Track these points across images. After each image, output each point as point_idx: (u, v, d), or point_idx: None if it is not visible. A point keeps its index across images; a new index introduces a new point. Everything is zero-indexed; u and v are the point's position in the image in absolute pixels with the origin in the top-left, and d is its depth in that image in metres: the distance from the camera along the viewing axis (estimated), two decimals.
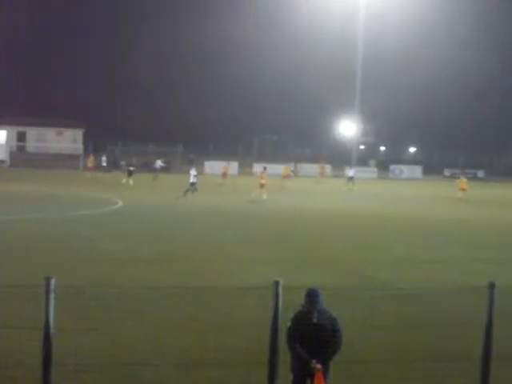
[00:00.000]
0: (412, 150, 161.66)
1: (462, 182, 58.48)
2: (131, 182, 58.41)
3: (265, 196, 48.84)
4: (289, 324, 9.88)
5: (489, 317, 9.96)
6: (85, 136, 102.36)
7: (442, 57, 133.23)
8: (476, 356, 10.97)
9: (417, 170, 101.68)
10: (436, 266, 24.38)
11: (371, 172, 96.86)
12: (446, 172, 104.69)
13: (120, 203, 41.82)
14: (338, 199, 53.37)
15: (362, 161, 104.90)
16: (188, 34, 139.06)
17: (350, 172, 66.90)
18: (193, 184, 48.54)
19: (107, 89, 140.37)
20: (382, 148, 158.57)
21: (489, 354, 10.05)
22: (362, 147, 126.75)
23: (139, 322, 14.46)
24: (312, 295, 10.01)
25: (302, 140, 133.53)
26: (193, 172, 49.44)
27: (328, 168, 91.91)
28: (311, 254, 25.79)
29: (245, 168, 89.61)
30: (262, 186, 50.31)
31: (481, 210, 48.35)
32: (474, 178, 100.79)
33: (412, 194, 60.67)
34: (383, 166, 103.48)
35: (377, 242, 30.39)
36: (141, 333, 13.97)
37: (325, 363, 9.85)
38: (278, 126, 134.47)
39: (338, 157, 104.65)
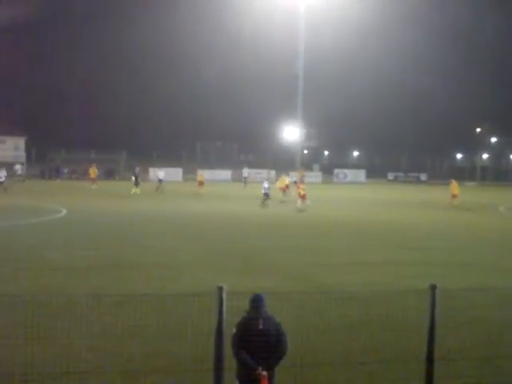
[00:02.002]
0: (355, 154, 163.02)
1: (454, 186, 56.68)
2: (138, 190, 58.11)
3: (308, 202, 48.19)
4: (234, 330, 9.86)
5: (431, 318, 10.07)
6: (27, 144, 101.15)
7: (384, 61, 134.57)
8: (421, 357, 11.08)
9: (360, 174, 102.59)
10: (381, 269, 24.58)
11: (315, 176, 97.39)
12: (390, 175, 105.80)
13: (64, 211, 41.42)
14: (282, 204, 53.50)
15: (306, 165, 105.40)
16: (131, 41, 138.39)
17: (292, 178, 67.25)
18: (266, 194, 49.51)
19: (50, 96, 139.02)
20: (326, 152, 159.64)
21: (432, 355, 10.16)
22: (305, 152, 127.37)
23: (84, 330, 14.32)
24: (257, 301, 10.01)
25: (246, 146, 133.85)
26: (265, 184, 50.26)
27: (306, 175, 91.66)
28: (256, 259, 25.82)
29: (189, 174, 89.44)
30: (303, 196, 48.46)
31: (423, 213, 48.89)
32: (416, 182, 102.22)
33: (356, 198, 61.09)
34: (327, 170, 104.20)
35: (322, 246, 30.55)
36: (86, 341, 13.84)
37: (270, 369, 9.85)
38: (221, 131, 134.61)
39: (283, 162, 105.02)
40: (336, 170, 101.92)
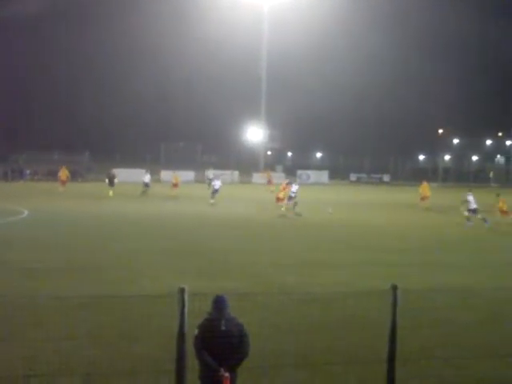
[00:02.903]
0: (319, 155, 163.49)
1: (424, 187, 55.89)
2: (111, 193, 57.59)
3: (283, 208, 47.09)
4: (196, 332, 9.85)
5: (393, 319, 10.14)
6: None
7: (347, 63, 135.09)
8: (383, 358, 11.15)
9: (323, 175, 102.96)
10: (342, 269, 24.68)
11: (278, 177, 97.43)
12: (352, 177, 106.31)
13: (26, 213, 41.10)
14: (245, 205, 53.54)
15: (270, 166, 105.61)
16: (95, 40, 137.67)
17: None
18: (291, 198, 46.97)
19: (11, 97, 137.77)
20: (289, 154, 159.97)
21: (393, 356, 10.23)
22: (269, 153, 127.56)
23: (47, 332, 14.24)
24: (219, 302, 10.01)
25: (210, 146, 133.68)
26: (294, 188, 47.85)
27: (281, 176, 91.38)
28: (219, 261, 25.79)
29: (153, 175, 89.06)
30: (279, 199, 48.25)
31: (386, 214, 49.18)
32: (379, 183, 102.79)
33: (319, 199, 61.24)
34: (290, 171, 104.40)
35: (285, 247, 30.62)
36: (49, 344, 13.75)
37: (233, 370, 9.86)
38: (185, 132, 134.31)
39: (246, 163, 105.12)
40: (299, 171, 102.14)
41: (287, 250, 29.47)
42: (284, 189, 48.72)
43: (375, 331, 13.99)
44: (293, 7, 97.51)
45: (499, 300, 18.97)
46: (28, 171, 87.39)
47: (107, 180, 59.09)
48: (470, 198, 42.58)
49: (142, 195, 59.62)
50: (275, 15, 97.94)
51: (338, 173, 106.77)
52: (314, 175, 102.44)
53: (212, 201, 51.56)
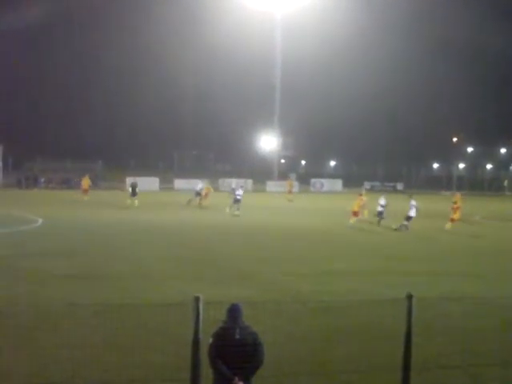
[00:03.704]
0: (332, 163, 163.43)
1: (456, 198, 51.53)
2: (136, 202, 56.19)
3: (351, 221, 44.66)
4: (210, 340, 9.82)
5: (408, 327, 10.10)
6: (4, 152, 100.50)
7: (361, 71, 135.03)
8: (398, 367, 11.09)
9: (337, 184, 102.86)
10: (358, 278, 24.62)
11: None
12: (366, 185, 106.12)
13: (40, 221, 41.19)
14: (261, 213, 53.50)
15: (283, 175, 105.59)
16: (107, 49, 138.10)
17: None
18: (380, 213, 44.70)
19: (26, 104, 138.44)
20: (303, 162, 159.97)
21: (408, 364, 10.18)
22: (282, 161, 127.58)
23: (61, 340, 14.23)
24: (234, 311, 9.98)
25: (223, 155, 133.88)
26: (382, 201, 45.53)
27: (296, 185, 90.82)
28: (232, 269, 25.78)
29: (166, 184, 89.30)
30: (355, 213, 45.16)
31: (398, 222, 49.00)
32: (393, 191, 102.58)
33: (332, 207, 61.16)
34: (304, 179, 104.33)
35: (298, 254, 30.58)
36: (62, 351, 13.74)
37: (247, 379, 9.83)
38: (198, 141, 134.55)
39: (260, 171, 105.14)
40: (313, 180, 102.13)
41: (299, 258, 29.43)
42: (360, 201, 45.82)
43: (390, 339, 13.94)
44: (306, 14, 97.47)
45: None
46: (42, 179, 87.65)
47: (130, 189, 57.87)
48: (413, 202, 42.18)
49: (188, 204, 58.85)
50: (288, 23, 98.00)
51: (351, 181, 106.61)
52: (327, 183, 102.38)
53: (237, 212, 50.58)
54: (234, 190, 58.20)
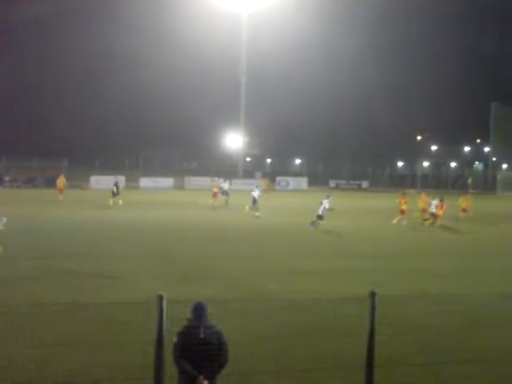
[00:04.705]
0: (298, 162, 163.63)
1: (466, 199, 53.19)
2: (116, 201, 55.54)
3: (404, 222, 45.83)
4: (175, 339, 9.81)
5: (371, 325, 10.15)
6: None
7: (326, 70, 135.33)
8: (362, 364, 11.14)
9: (303, 182, 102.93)
10: (323, 276, 24.70)
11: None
12: (331, 183, 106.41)
13: (4, 220, 40.83)
14: (223, 212, 53.47)
15: (249, 173, 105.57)
16: (72, 45, 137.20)
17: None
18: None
19: None
20: (269, 160, 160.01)
21: (372, 362, 10.24)
22: (248, 159, 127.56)
23: (23, 340, 14.14)
24: (198, 309, 9.97)
25: (189, 153, 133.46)
26: (434, 203, 45.49)
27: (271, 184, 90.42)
28: (197, 267, 25.75)
29: (131, 182, 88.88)
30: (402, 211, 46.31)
31: (363, 220, 49.22)
32: (358, 189, 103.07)
33: (298, 206, 61.27)
34: (269, 177, 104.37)
35: (264, 253, 30.60)
36: (25, 352, 13.66)
37: (211, 377, 9.84)
38: (164, 139, 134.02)
39: (225, 169, 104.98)
40: (278, 178, 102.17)
41: (264, 256, 29.43)
42: (405, 202, 46.58)
43: (354, 338, 14.01)
44: (272, 14, 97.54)
45: (475, 306, 19.08)
46: (7, 178, 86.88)
47: (114, 188, 57.01)
48: (325, 202, 42.46)
49: (226, 204, 58.13)
50: (255, 22, 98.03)
51: (317, 179, 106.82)
52: (293, 182, 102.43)
53: (257, 213, 49.77)
54: (226, 192, 58.19)
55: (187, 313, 10.07)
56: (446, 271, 26.95)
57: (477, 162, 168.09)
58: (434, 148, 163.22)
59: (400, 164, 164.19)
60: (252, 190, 52.66)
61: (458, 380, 13.23)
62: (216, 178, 70.73)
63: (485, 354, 14.98)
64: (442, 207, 46.24)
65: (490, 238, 41.18)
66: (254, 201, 51.15)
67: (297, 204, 59.39)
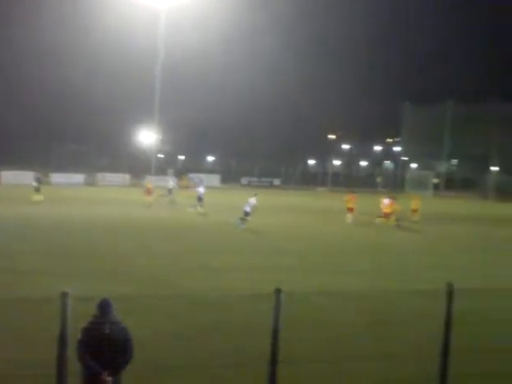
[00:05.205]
0: (211, 159, 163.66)
1: (415, 199, 53.60)
2: (39, 197, 53.83)
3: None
4: (79, 335, 9.80)
5: (275, 322, 10.29)
6: None
7: (240, 68, 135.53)
8: (267, 360, 11.27)
9: (215, 179, 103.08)
10: (231, 273, 24.75)
11: (170, 181, 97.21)
12: (244, 180, 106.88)
13: None
14: (139, 209, 53.19)
15: (161, 170, 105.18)
16: None
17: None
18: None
19: None
20: (181, 157, 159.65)
21: (276, 359, 10.37)
22: (160, 156, 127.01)
23: None
24: (104, 305, 9.96)
25: (102, 149, 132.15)
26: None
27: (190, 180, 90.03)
28: (108, 264, 25.58)
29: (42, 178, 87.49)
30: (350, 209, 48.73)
31: (274, 217, 49.57)
32: (270, 186, 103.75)
33: (211, 203, 61.29)
34: (183, 174, 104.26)
35: (176, 250, 30.59)
36: None
37: (116, 374, 9.86)
38: (76, 134, 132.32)
39: (137, 166, 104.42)
40: (191, 175, 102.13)
41: (176, 253, 29.43)
42: (391, 204, 48.29)
43: (261, 334, 14.18)
44: (190, 10, 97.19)
45: (385, 303, 19.47)
46: None
47: (36, 184, 55.67)
48: (252, 200, 42.79)
49: (170, 202, 58.01)
50: (172, 18, 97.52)
51: (229, 176, 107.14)
52: (205, 179, 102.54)
53: (200, 209, 50.55)
54: (171, 190, 58.11)
55: (94, 309, 10.06)
56: (363, 268, 27.37)
57: (387, 162, 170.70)
58: (345, 147, 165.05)
59: (312, 162, 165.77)
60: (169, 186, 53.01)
61: (362, 377, 13.43)
62: (148, 176, 70.23)
63: (392, 350, 15.28)
64: (392, 205, 47.93)
65: (417, 236, 42.19)
66: (199, 198, 51.08)
67: (210, 201, 59.22)
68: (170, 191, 60.45)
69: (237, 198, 55.93)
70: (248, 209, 42.11)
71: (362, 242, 37.57)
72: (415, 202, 52.56)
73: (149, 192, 56.73)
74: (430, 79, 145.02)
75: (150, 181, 62.14)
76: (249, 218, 41.81)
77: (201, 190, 52.20)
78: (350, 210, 48.51)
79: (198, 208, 51.15)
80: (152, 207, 53.07)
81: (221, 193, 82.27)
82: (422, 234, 43.14)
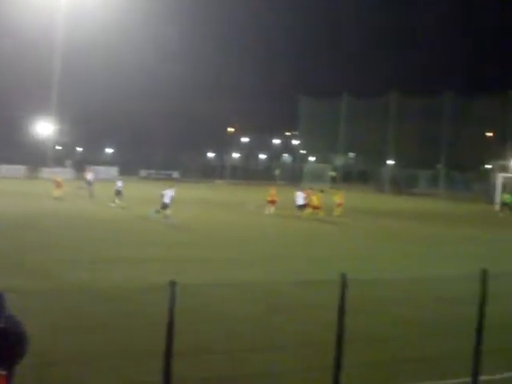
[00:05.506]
0: (110, 151, 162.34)
1: (338, 194, 54.09)
2: None
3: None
4: None
5: (170, 314, 10.36)
6: None
7: (139, 60, 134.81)
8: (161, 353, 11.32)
9: (113, 171, 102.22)
10: (129, 265, 24.69)
11: (68, 173, 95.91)
12: (142, 173, 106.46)
13: None
14: (40, 200, 52.39)
15: (59, 161, 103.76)
16: None
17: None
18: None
19: None
20: (80, 149, 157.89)
21: (170, 351, 10.43)
22: (58, 148, 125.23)
23: None
24: None
25: None
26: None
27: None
28: (6, 258, 25.13)
29: None
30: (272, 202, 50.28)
31: (179, 210, 49.57)
32: (168, 179, 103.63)
33: (105, 195, 60.73)
34: (80, 166, 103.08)
35: (76, 242, 30.34)
36: None
37: (10, 368, 9.73)
38: None
39: (34, 157, 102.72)
40: (88, 167, 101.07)
41: (73, 246, 29.12)
42: (313, 195, 50.21)
43: (155, 327, 14.23)
44: (89, 2, 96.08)
45: (277, 292, 19.84)
46: None
47: None
48: (166, 193, 42.27)
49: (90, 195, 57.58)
50: (71, 10, 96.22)
51: (128, 168, 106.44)
52: (103, 171, 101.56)
53: (114, 203, 50.20)
54: (89, 182, 57.47)
55: None
56: (250, 259, 27.68)
57: (286, 155, 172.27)
58: (244, 140, 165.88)
59: (212, 155, 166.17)
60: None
61: (259, 367, 13.59)
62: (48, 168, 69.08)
63: (283, 339, 15.54)
64: (309, 196, 49.69)
65: (322, 227, 42.90)
66: (118, 192, 50.86)
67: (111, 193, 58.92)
68: (88, 183, 60.04)
69: (141, 191, 55.79)
70: (167, 200, 41.81)
71: (268, 233, 38.11)
72: (339, 196, 53.13)
73: (58, 185, 56.09)
74: (325, 73, 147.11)
75: (59, 174, 61.58)
76: (168, 210, 41.48)
77: (119, 183, 51.78)
78: (272, 202, 49.82)
79: (117, 201, 50.75)
80: (63, 200, 52.38)
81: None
82: (327, 226, 43.93)
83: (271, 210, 49.33)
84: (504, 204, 65.42)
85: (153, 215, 41.42)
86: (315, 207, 48.94)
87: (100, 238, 32.51)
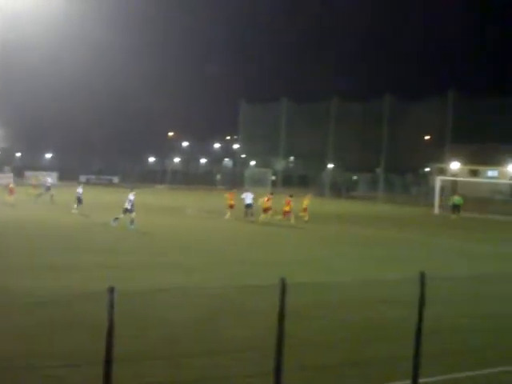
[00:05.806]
0: (49, 156, 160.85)
1: (307, 199, 53.48)
2: None
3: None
4: None
5: (109, 321, 10.29)
6: None
7: (78, 64, 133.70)
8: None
9: (52, 176, 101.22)
10: (68, 273, 24.42)
11: (7, 178, 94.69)
12: (82, 178, 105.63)
13: None
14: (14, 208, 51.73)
15: None
16: None
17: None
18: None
19: None
20: (18, 154, 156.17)
21: (110, 358, 10.35)
22: None
23: None
24: None
25: None
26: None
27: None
28: None
29: None
30: (231, 206, 51.05)
31: (110, 215, 49.27)
32: (108, 184, 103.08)
33: (45, 201, 60.20)
34: (19, 172, 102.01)
35: (26, 248, 29.99)
36: None
37: None
38: None
39: None
40: (28, 173, 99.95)
41: (18, 251, 28.81)
42: (268, 199, 50.54)
43: (97, 333, 14.11)
44: (28, 2, 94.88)
45: (218, 297, 19.91)
46: None
47: None
48: (131, 197, 41.99)
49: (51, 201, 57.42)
50: (9, 11, 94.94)
51: (67, 174, 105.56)
52: (42, 176, 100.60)
53: (76, 210, 49.88)
54: (46, 184, 57.29)
55: None
56: (199, 265, 27.60)
57: (226, 159, 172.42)
58: (185, 144, 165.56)
59: (152, 160, 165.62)
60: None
61: (198, 371, 13.54)
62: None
63: (226, 344, 15.52)
64: (289, 203, 49.83)
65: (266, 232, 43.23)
66: (79, 199, 50.68)
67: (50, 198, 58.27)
68: (47, 189, 60.19)
69: (86, 196, 55.33)
70: (129, 206, 41.40)
71: (213, 237, 38.19)
72: (306, 201, 53.02)
73: (11, 192, 55.97)
74: (266, 78, 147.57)
75: (12, 180, 61.45)
76: (133, 215, 40.97)
77: (79, 190, 51.24)
78: (231, 206, 50.64)
79: (75, 207, 50.41)
80: (15, 207, 51.92)
81: (58, 190, 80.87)
82: (274, 230, 44.09)
83: (228, 214, 49.53)
84: (455, 206, 66.36)
85: (112, 223, 41.12)
86: (285, 212, 49.38)
87: (50, 245, 32.10)
